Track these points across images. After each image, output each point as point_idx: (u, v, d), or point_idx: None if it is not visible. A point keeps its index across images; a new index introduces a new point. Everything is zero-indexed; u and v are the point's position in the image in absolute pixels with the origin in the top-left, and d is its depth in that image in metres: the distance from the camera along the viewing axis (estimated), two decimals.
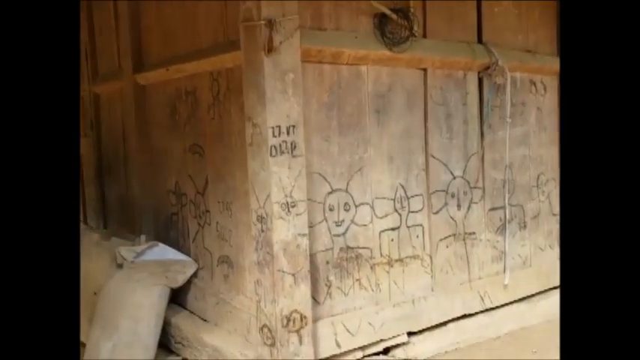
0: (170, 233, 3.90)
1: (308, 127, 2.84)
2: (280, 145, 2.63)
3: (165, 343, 3.56)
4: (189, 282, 3.62)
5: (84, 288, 3.78)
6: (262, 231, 2.70)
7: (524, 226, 3.88)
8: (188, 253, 3.69)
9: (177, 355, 3.53)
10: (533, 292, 3.92)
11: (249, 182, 2.75)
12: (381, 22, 3.00)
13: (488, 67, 3.48)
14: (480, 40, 3.52)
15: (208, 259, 3.46)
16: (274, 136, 2.61)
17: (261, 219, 2.70)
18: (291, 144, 2.66)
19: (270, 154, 2.61)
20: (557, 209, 4.06)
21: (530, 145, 3.88)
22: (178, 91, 3.57)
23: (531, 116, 3.87)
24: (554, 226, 4.08)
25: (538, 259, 3.99)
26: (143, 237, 3.85)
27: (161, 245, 3.75)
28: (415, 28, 3.10)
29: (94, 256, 3.86)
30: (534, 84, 3.88)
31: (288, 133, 2.65)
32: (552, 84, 3.98)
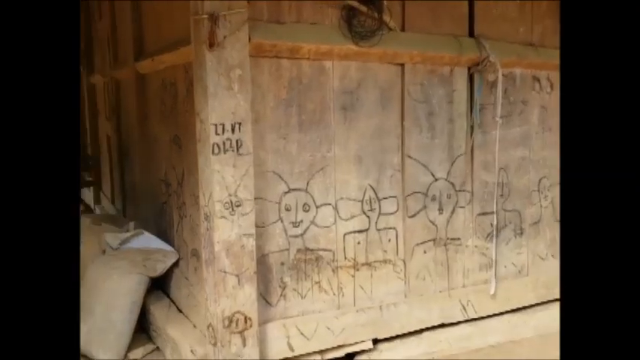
0: (161, 222, 3.94)
1: (262, 125, 2.75)
2: (224, 143, 2.56)
3: (147, 329, 3.62)
4: (171, 271, 3.65)
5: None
6: (207, 229, 2.66)
7: (521, 233, 3.63)
8: (172, 243, 3.71)
9: (154, 343, 3.58)
10: (529, 304, 3.67)
11: (199, 179, 2.71)
12: (349, 14, 2.84)
13: (479, 63, 3.23)
14: (471, 34, 3.28)
15: (185, 251, 3.46)
16: (217, 133, 2.54)
17: (206, 217, 2.66)
18: (237, 142, 2.58)
19: (213, 152, 2.55)
20: None
21: (532, 146, 3.60)
22: (164, 82, 3.57)
23: (533, 116, 3.59)
24: (558, 233, 3.79)
25: (536, 268, 3.72)
26: (132, 224, 3.92)
27: (146, 234, 3.80)
28: (388, 20, 2.92)
29: (85, 239, 3.95)
30: (538, 81, 3.58)
31: (233, 130, 2.57)
32: None
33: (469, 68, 3.29)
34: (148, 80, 4.03)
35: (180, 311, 3.46)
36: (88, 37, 6.57)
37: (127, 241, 3.74)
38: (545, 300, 3.73)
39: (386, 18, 2.92)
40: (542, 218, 3.71)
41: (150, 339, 3.60)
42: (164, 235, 3.83)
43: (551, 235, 3.76)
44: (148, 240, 3.77)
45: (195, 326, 3.17)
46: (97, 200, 6.94)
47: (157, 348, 3.46)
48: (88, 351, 3.34)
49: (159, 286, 3.78)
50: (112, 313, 3.42)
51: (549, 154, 3.67)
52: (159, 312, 3.52)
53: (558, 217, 3.76)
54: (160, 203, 3.92)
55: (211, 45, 2.48)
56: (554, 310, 3.70)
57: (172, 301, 3.64)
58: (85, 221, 4.10)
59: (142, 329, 3.63)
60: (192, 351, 2.91)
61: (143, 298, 3.63)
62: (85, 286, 3.58)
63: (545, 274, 3.73)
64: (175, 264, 3.61)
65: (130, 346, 3.54)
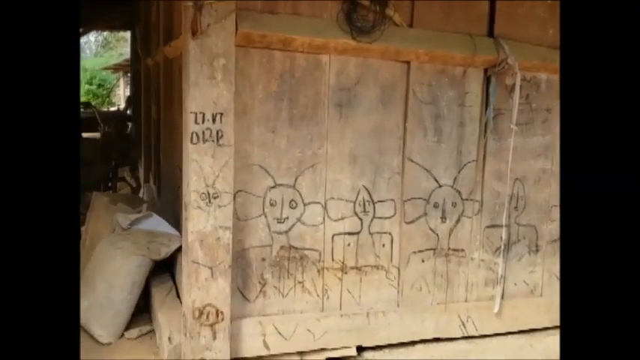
0: (176, 206, 3.98)
1: (250, 117, 2.70)
2: (203, 133, 2.53)
3: (149, 311, 3.68)
4: (177, 255, 3.67)
5: (90, 245, 4.01)
6: (185, 219, 2.64)
7: (536, 250, 3.38)
8: (181, 228, 3.73)
9: (152, 325, 3.62)
10: (540, 327, 3.42)
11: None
12: (350, 8, 2.72)
13: (496, 65, 3.02)
14: (490, 33, 3.06)
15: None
16: (196, 122, 2.51)
17: (185, 206, 2.64)
18: (217, 132, 2.54)
19: (191, 141, 2.52)
20: None
21: (555, 158, 3.34)
22: (178, 67, 3.58)
23: (558, 125, 3.32)
24: None
25: (553, 289, 3.46)
26: (144, 206, 3.98)
27: (155, 216, 3.85)
28: (392, 14, 2.78)
29: (102, 218, 4.07)
30: None
31: (213, 120, 2.53)
32: None
33: (486, 70, 3.07)
34: (173, 65, 4.07)
35: (178, 297, 3.48)
36: (146, 21, 6.76)
37: (136, 222, 3.80)
38: (558, 324, 3.46)
39: (389, 12, 2.77)
40: None
41: (150, 321, 3.65)
42: (178, 219, 3.86)
43: None
44: (157, 223, 3.82)
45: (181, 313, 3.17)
46: (147, 179, 7.17)
47: (153, 330, 3.51)
48: (87, 325, 3.43)
49: (168, 269, 3.83)
50: (112, 291, 3.49)
51: None
52: (158, 295, 3.56)
53: None
54: (176, 187, 3.96)
55: (194, 33, 2.44)
56: None
57: (175, 285, 3.67)
58: (103, 200, 4.21)
59: (146, 310, 3.69)
60: (169, 338, 2.91)
61: (146, 280, 3.69)
62: (91, 262, 3.68)
63: None
64: (181, 248, 3.63)
65: (129, 326, 3.60)
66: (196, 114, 2.50)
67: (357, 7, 2.72)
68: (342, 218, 2.92)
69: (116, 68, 20.20)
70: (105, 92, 24.25)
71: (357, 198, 2.94)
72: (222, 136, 2.55)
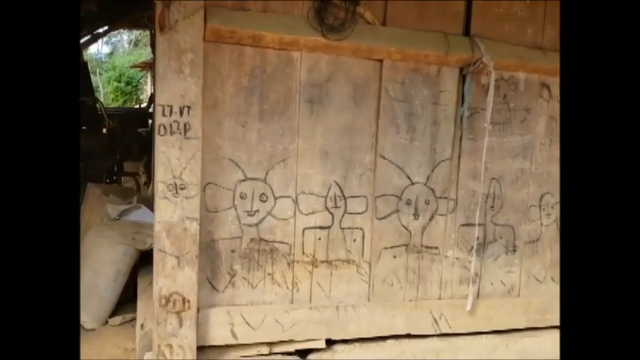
0: None
1: (221, 110, 2.76)
2: (171, 125, 2.60)
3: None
4: None
5: (83, 235, 4.14)
6: (155, 209, 2.72)
7: (513, 250, 3.37)
8: None
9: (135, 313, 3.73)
10: (516, 327, 3.41)
11: None
12: (321, 5, 2.76)
13: (471, 64, 3.03)
14: (467, 32, 3.08)
15: None
16: (164, 115, 2.59)
17: (154, 197, 2.72)
18: (185, 125, 2.62)
19: (159, 133, 2.60)
20: None
21: (534, 158, 3.33)
22: None
23: (538, 125, 3.31)
24: None
25: (531, 290, 3.45)
26: (135, 198, 4.08)
27: (144, 208, 3.96)
28: (363, 12, 2.81)
29: (96, 209, 4.19)
30: (548, 88, 3.29)
31: (181, 113, 2.60)
32: None
33: (461, 69, 3.09)
34: None
35: None
36: None
37: (125, 213, 3.91)
38: (537, 326, 3.45)
39: (361, 10, 2.81)
40: (542, 237, 3.42)
41: (135, 309, 3.75)
42: None
43: (552, 256, 3.47)
44: (145, 214, 3.93)
45: None
46: None
47: (136, 318, 3.61)
48: None
49: None
50: (97, 279, 3.61)
51: (556, 169, 3.37)
52: (142, 284, 3.67)
53: None
54: None
55: (162, 28, 2.52)
56: (546, 337, 3.42)
57: None
58: (96, 191, 4.34)
59: (133, 299, 3.79)
60: (142, 324, 3.00)
61: (134, 270, 3.79)
62: (80, 251, 3.80)
63: (540, 297, 3.45)
64: None
65: (114, 313, 3.72)
66: (164, 107, 2.58)
67: (328, 4, 2.76)
68: (313, 212, 2.97)
69: (143, 66, 20.54)
70: (132, 90, 24.67)
71: (328, 193, 2.98)
72: (189, 128, 2.62)
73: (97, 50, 26.07)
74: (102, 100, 21.25)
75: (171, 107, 2.59)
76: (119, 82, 25.12)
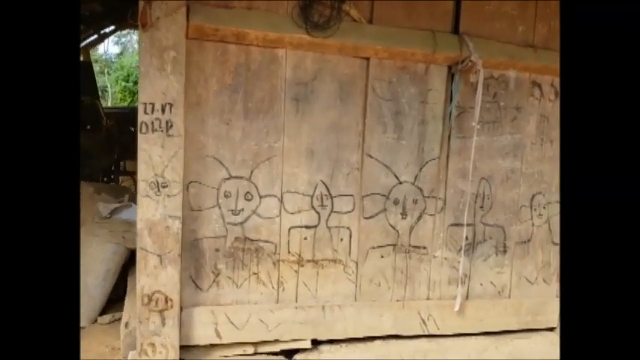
0: None
1: (204, 108, 2.75)
2: (153, 123, 2.59)
3: None
4: None
5: None
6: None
7: (504, 251, 3.33)
8: None
9: None
10: (507, 329, 3.37)
11: None
12: (307, 3, 2.74)
13: (460, 62, 2.99)
14: (456, 30, 3.04)
15: None
16: (146, 112, 2.58)
17: (137, 195, 2.71)
18: (167, 123, 2.60)
19: (141, 131, 2.59)
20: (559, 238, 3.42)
21: (525, 157, 3.29)
22: None
23: (529, 124, 3.27)
24: (554, 257, 3.44)
25: (522, 291, 3.41)
26: (127, 196, 4.08)
27: (134, 206, 3.94)
28: (348, 10, 2.79)
29: (87, 207, 4.19)
30: (539, 86, 3.25)
31: (163, 111, 2.59)
32: None
33: (450, 67, 3.05)
34: None
35: None
36: None
37: (116, 211, 3.91)
38: (528, 327, 3.41)
39: (346, 8, 2.78)
40: (533, 238, 3.38)
41: None
42: None
43: (544, 257, 3.43)
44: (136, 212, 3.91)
45: None
46: None
47: None
48: None
49: None
50: (87, 277, 3.61)
51: (547, 169, 3.33)
52: (131, 282, 3.65)
53: (556, 239, 3.42)
54: None
55: (144, 26, 2.51)
56: (538, 339, 3.39)
57: None
58: (88, 190, 4.34)
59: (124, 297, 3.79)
60: (126, 323, 2.99)
61: (125, 269, 3.79)
62: None
63: (532, 299, 3.41)
64: None
65: (104, 311, 3.72)
66: (146, 104, 2.57)
67: (314, 2, 2.74)
68: (299, 211, 2.95)
69: None
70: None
71: (314, 192, 2.95)
72: (171, 126, 2.61)
73: (105, 50, 26.14)
74: (110, 99, 21.31)
75: (153, 105, 2.57)
76: (127, 81, 25.19)
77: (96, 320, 3.65)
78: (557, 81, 3.27)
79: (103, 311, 3.72)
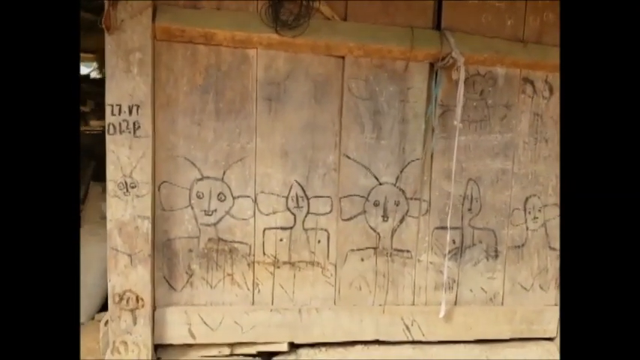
0: None
1: (174, 109, 2.76)
2: (120, 124, 2.62)
3: None
4: None
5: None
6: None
7: (495, 256, 3.19)
8: None
9: None
10: (499, 338, 3.23)
11: None
12: (277, 2, 2.71)
13: (441, 59, 2.89)
14: (438, 26, 2.93)
15: None
16: (113, 114, 2.61)
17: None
18: (134, 124, 2.63)
19: (108, 132, 2.62)
20: (557, 242, 3.24)
21: (517, 158, 3.13)
22: None
23: (521, 122, 3.11)
24: (552, 263, 3.27)
25: (516, 298, 3.25)
26: None
27: None
28: (318, 6, 2.74)
29: (96, 207, 4.29)
30: (531, 83, 3.09)
31: (130, 112, 2.62)
32: None
33: (432, 64, 2.95)
34: None
35: None
36: None
37: None
38: (523, 337, 3.25)
39: (316, 5, 2.73)
40: (528, 242, 3.22)
41: None
42: None
43: (541, 263, 3.25)
44: None
45: None
46: None
47: None
48: None
49: None
50: (86, 276, 3.68)
51: (542, 169, 3.16)
52: None
53: (553, 244, 3.24)
54: None
55: (108, 28, 2.54)
56: (533, 348, 3.23)
57: None
58: (97, 189, 4.44)
59: None
60: (106, 321, 3.04)
61: None
62: None
63: (527, 307, 3.25)
64: None
65: (102, 309, 3.78)
66: (113, 106, 2.60)
67: (283, 0, 2.70)
68: (274, 212, 2.91)
69: None
70: None
71: (289, 193, 2.92)
72: (139, 127, 2.63)
73: None
74: None
75: (120, 106, 2.60)
76: None
77: (93, 317, 3.73)
78: (551, 77, 3.10)
79: (101, 308, 3.80)
